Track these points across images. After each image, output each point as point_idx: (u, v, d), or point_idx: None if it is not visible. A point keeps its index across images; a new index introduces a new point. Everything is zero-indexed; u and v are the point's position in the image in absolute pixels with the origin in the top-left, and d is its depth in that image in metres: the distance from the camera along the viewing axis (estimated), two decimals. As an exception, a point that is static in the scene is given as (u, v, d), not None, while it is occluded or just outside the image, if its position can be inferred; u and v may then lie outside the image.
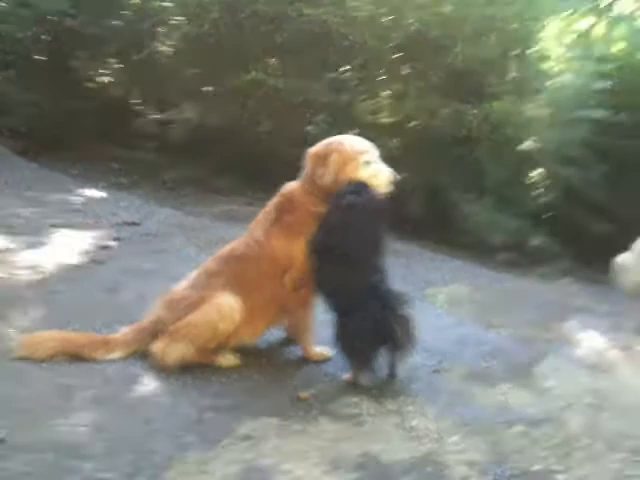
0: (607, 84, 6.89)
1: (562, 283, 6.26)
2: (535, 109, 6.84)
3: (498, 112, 6.47)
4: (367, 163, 3.08)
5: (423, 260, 5.61)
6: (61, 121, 8.45)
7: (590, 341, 4.04)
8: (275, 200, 3.21)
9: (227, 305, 3.02)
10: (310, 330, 3.21)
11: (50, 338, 3.02)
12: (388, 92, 7.38)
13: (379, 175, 3.10)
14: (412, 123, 6.93)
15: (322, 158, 3.09)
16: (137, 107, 9.27)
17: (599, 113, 6.83)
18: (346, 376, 3.00)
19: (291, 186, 3.20)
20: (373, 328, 2.86)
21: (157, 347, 3.04)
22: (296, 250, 3.08)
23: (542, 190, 7.41)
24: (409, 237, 6.88)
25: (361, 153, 3.09)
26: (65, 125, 8.45)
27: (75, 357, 3.02)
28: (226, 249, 3.28)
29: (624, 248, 6.65)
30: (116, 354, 3.06)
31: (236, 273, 3.12)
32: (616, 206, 7.03)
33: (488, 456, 2.57)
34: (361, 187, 3.01)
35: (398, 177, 3.14)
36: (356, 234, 2.95)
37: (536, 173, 7.50)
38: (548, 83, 7.07)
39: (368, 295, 2.91)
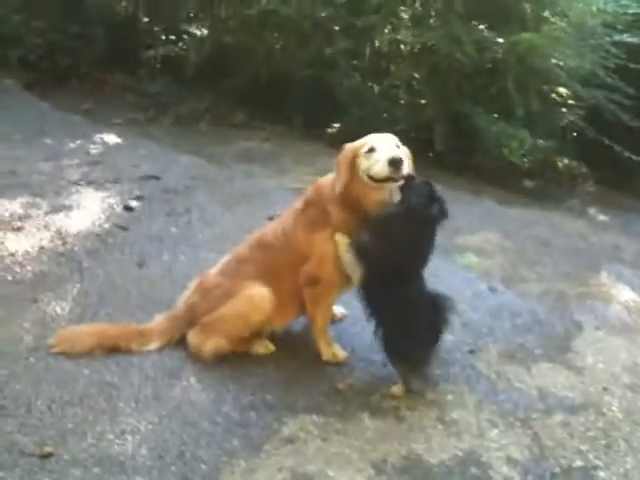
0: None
1: (590, 215, 6.18)
2: (562, 33, 6.49)
3: (525, 42, 6.14)
4: (369, 152, 2.85)
5: (450, 202, 5.40)
6: (69, 48, 8.24)
7: (623, 297, 4.02)
8: (307, 191, 3.12)
9: (258, 296, 2.99)
10: (323, 330, 3.09)
11: (87, 332, 3.03)
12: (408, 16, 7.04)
13: (376, 164, 2.81)
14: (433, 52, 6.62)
15: (336, 164, 3.00)
16: (146, 33, 8.96)
17: (629, 37, 6.55)
18: (394, 389, 2.90)
19: (324, 180, 3.09)
20: (429, 334, 2.83)
21: (192, 340, 3.05)
22: (314, 245, 2.97)
23: (569, 115, 7.17)
24: (432, 167, 6.75)
25: (361, 146, 2.89)
26: (73, 53, 8.24)
27: (112, 350, 3.02)
28: (257, 234, 3.21)
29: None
30: (153, 345, 3.07)
31: (264, 261, 3.07)
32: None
33: (529, 452, 2.60)
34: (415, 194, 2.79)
35: (405, 164, 2.80)
36: (405, 248, 2.80)
37: (563, 97, 7.25)
38: (577, 6, 6.68)
39: (420, 301, 2.83)
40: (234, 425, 2.67)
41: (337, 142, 6.95)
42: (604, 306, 3.87)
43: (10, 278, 3.60)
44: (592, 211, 6.49)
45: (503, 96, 6.63)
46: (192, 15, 9.16)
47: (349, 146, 2.96)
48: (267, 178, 5.58)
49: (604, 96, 6.81)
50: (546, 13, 6.74)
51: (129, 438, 2.58)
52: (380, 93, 7.27)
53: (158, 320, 3.18)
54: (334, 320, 3.32)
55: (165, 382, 2.89)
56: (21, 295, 3.45)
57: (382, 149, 2.84)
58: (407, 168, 2.84)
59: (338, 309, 3.38)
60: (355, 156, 2.89)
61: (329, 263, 2.95)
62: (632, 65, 6.72)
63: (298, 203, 3.13)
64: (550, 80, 6.97)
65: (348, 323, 3.36)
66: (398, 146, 2.91)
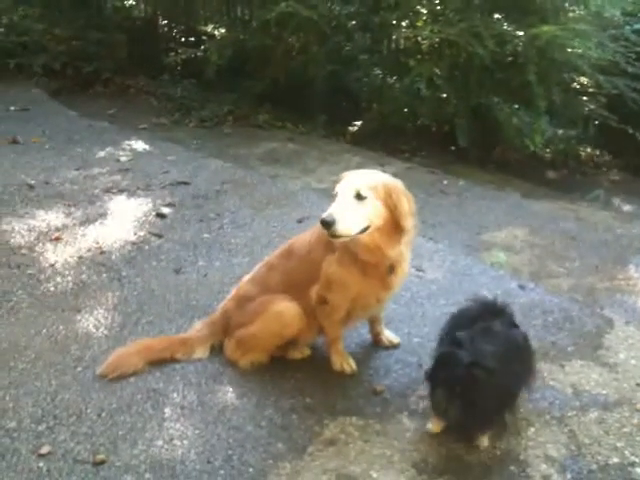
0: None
1: (616, 205, 6.20)
2: (582, 23, 6.48)
3: (545, 34, 6.15)
4: (335, 195, 2.80)
5: (474, 198, 5.54)
6: (91, 55, 8.38)
7: (652, 289, 4.05)
8: None
9: (287, 312, 3.02)
10: (334, 342, 3.12)
11: (133, 353, 3.10)
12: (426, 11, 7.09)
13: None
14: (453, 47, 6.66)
15: None
16: (165, 36, 9.10)
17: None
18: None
19: None
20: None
21: (229, 355, 3.15)
22: (325, 263, 2.95)
23: (591, 104, 7.19)
24: (455, 161, 6.82)
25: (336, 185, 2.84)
26: (95, 59, 8.37)
27: (159, 363, 3.11)
28: (288, 242, 3.28)
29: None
30: (197, 354, 3.16)
31: (288, 270, 3.12)
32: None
33: (566, 450, 2.66)
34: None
35: (337, 227, 2.67)
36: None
37: (584, 86, 7.28)
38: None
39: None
40: (278, 428, 2.77)
41: (359, 140, 7.11)
42: (633, 300, 3.93)
43: (52, 289, 3.72)
44: (617, 201, 6.51)
45: (524, 88, 6.65)
46: (210, 17, 9.29)
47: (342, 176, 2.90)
48: (293, 179, 5.68)
49: (625, 84, 6.82)
50: (565, 4, 6.74)
51: (178, 444, 2.68)
52: (401, 89, 7.31)
53: (197, 327, 3.27)
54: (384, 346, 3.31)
55: (208, 388, 2.99)
56: (64, 305, 3.57)
57: (337, 199, 2.76)
58: (348, 229, 2.69)
59: (391, 336, 3.33)
60: None
61: (335, 287, 2.93)
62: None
63: None
64: (571, 70, 7.00)
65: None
66: (360, 195, 2.72)
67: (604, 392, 2.98)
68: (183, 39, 9.49)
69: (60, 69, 8.38)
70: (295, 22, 6.89)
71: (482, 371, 2.44)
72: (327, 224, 2.67)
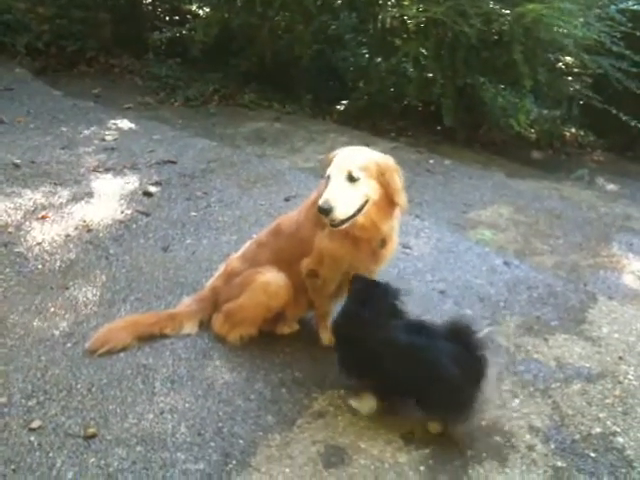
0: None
1: (599, 185, 6.26)
2: (567, 2, 6.48)
3: (531, 13, 6.15)
4: (327, 179, 2.79)
5: (460, 177, 5.58)
6: (75, 34, 8.28)
7: (634, 266, 4.14)
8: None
9: (273, 282, 3.04)
10: (323, 316, 3.16)
11: (121, 328, 3.11)
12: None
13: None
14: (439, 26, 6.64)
15: None
16: (150, 15, 9.01)
17: (635, 5, 6.60)
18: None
19: None
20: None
21: (218, 329, 3.17)
22: (317, 239, 2.96)
23: (575, 84, 7.22)
24: (441, 141, 6.86)
25: (329, 165, 2.82)
26: (79, 38, 8.28)
27: (148, 338, 3.13)
28: (278, 220, 3.29)
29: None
30: (186, 329, 3.18)
31: (278, 247, 3.13)
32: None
33: (550, 420, 2.73)
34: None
35: (334, 212, 2.69)
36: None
37: (570, 66, 7.30)
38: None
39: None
40: (267, 402, 2.80)
41: (346, 119, 7.11)
42: (616, 276, 4.00)
43: (40, 267, 3.71)
44: (601, 181, 6.57)
45: (510, 68, 6.66)
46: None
47: (329, 158, 2.89)
48: (280, 158, 5.69)
49: (610, 64, 6.85)
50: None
51: (168, 417, 2.71)
52: (387, 68, 7.31)
53: (186, 303, 3.29)
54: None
55: (198, 362, 3.02)
56: (52, 283, 3.57)
57: (330, 183, 2.74)
58: (346, 213, 2.71)
59: None
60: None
61: (327, 261, 2.94)
62: (638, 32, 6.75)
63: (314, 193, 3.12)
64: (557, 50, 7.01)
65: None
66: (352, 177, 2.72)
67: (587, 365, 3.04)
68: (167, 18, 9.40)
69: (44, 48, 8.26)
70: (280, 0, 6.84)
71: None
72: (325, 211, 2.68)
